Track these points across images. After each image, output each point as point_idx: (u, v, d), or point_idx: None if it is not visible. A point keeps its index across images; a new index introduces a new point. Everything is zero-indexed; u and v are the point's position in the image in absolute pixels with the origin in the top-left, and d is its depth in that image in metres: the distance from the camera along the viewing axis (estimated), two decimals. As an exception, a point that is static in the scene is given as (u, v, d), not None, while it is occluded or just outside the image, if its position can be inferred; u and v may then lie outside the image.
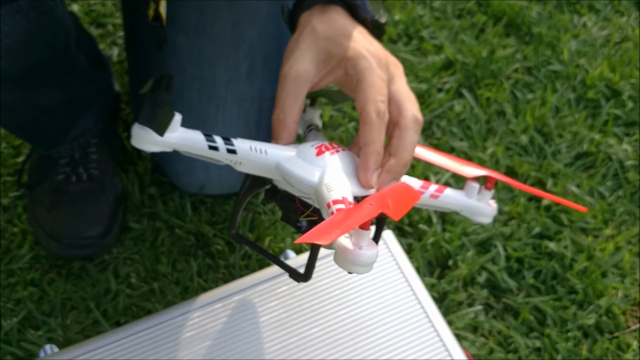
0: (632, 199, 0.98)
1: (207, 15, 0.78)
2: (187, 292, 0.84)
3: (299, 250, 0.84)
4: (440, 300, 0.86)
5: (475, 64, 1.07)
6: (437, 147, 1.00)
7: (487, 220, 0.61)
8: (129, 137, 0.97)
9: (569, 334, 0.85)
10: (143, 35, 0.85)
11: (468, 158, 0.99)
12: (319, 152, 0.50)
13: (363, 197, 0.50)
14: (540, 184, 0.98)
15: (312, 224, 0.53)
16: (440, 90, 1.06)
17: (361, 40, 0.54)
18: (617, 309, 0.87)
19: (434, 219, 0.93)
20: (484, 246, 0.92)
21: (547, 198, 0.61)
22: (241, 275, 0.82)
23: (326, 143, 0.52)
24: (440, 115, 1.03)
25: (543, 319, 0.86)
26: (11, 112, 0.78)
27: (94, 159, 0.87)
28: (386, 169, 0.51)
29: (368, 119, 0.51)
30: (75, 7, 1.09)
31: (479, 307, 0.86)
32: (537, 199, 0.96)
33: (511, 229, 0.93)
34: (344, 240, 0.43)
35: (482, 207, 0.59)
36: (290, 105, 0.52)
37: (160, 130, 0.46)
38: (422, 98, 1.05)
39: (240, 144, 0.50)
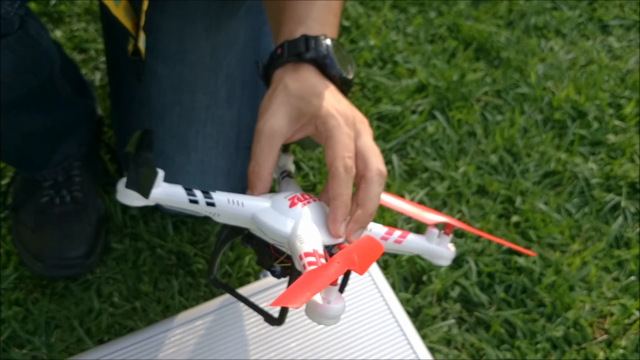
0: (598, 215, 1.02)
1: (186, 44, 0.82)
2: (169, 310, 0.87)
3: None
4: (415, 314, 0.89)
5: (447, 87, 1.12)
6: (411, 166, 1.04)
7: (445, 262, 0.65)
8: (111, 158, 1.00)
9: (538, 345, 0.88)
10: (124, 62, 0.88)
11: (441, 177, 1.03)
12: (292, 204, 0.54)
13: (333, 245, 0.55)
14: (509, 201, 1.02)
15: (285, 270, 0.57)
16: (413, 112, 1.10)
17: (330, 99, 0.58)
18: (585, 322, 0.90)
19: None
20: (456, 262, 0.95)
21: (499, 242, 0.66)
22: (221, 293, 0.84)
23: (298, 194, 0.56)
24: (414, 136, 1.07)
25: (513, 332, 0.89)
26: None
27: (77, 182, 0.90)
28: (354, 219, 0.56)
29: (337, 174, 0.55)
30: (58, 33, 1.12)
31: (452, 321, 0.89)
32: (507, 216, 1.00)
33: (482, 244, 0.97)
34: (314, 295, 0.46)
35: (441, 251, 0.64)
36: (265, 159, 0.57)
37: (146, 192, 0.49)
38: (397, 120, 1.09)
39: (218, 197, 0.53)
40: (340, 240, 0.55)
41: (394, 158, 1.05)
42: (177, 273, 0.90)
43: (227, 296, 0.75)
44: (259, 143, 0.57)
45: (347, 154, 0.55)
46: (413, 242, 0.63)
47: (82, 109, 0.91)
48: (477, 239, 0.98)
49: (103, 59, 1.11)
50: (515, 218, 0.99)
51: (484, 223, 0.99)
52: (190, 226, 0.95)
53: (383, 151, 1.06)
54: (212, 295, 0.88)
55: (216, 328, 0.73)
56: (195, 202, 0.51)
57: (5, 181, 0.97)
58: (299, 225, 0.53)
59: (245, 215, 0.53)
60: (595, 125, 1.11)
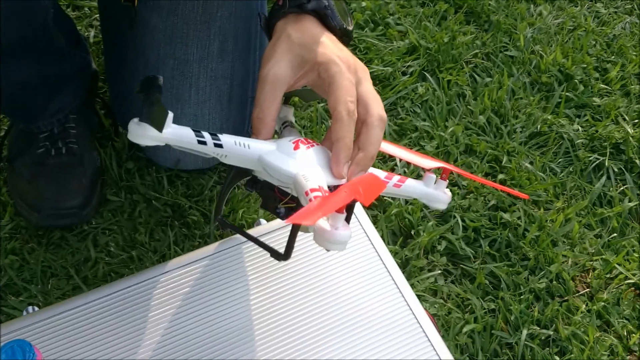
0: (582, 175, 1.05)
1: (179, -6, 0.82)
2: (165, 259, 0.89)
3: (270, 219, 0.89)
4: (403, 266, 0.92)
5: (438, 49, 1.13)
6: (402, 126, 1.06)
7: (442, 206, 0.68)
8: (106, 114, 1.01)
9: (522, 297, 0.91)
10: (118, 15, 0.89)
11: (430, 137, 1.06)
12: (296, 147, 0.56)
13: (335, 187, 0.56)
14: (496, 160, 1.04)
15: (289, 211, 0.59)
16: (404, 73, 1.12)
17: (332, 47, 0.60)
18: (567, 275, 0.94)
19: (398, 193, 0.99)
20: (443, 217, 0.98)
21: (493, 186, 0.69)
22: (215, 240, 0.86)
23: (302, 138, 0.58)
24: (404, 97, 1.09)
25: (497, 284, 0.92)
26: None
27: (73, 134, 0.91)
28: (355, 161, 0.58)
29: (339, 117, 0.57)
30: (52, -9, 1.12)
31: (438, 272, 0.92)
32: (493, 175, 1.03)
33: (469, 202, 0.99)
34: (323, 223, 0.49)
35: (438, 194, 0.66)
36: (269, 105, 0.58)
37: (159, 126, 0.51)
38: (388, 81, 1.10)
39: (225, 138, 0.55)
40: (343, 181, 0.57)
41: (385, 118, 1.06)
42: (172, 224, 0.92)
43: (220, 243, 0.77)
44: (262, 90, 0.59)
45: (349, 98, 0.57)
46: (411, 187, 0.65)
47: (77, 61, 0.92)
48: (464, 195, 1.00)
49: (97, 16, 1.11)
50: (501, 176, 1.02)
51: (471, 181, 1.01)
52: (185, 180, 0.96)
53: (374, 111, 1.07)
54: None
55: (211, 272, 0.75)
56: (204, 142, 0.53)
57: (1, 134, 0.97)
58: (304, 165, 0.55)
59: (251, 156, 0.55)
60: (581, 88, 1.14)
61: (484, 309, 0.90)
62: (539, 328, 0.88)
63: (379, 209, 0.97)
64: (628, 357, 0.88)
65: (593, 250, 0.97)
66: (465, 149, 1.05)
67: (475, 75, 1.13)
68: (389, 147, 0.69)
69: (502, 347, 0.87)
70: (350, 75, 0.59)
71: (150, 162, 0.96)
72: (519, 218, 0.98)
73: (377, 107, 0.59)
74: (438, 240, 0.95)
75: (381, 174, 0.64)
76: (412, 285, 0.89)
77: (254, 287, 0.74)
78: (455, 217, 0.97)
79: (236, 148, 0.55)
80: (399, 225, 0.96)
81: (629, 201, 1.02)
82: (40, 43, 0.82)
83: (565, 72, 1.16)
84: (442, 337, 0.73)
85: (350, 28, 0.64)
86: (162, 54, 0.86)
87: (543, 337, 0.88)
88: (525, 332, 0.88)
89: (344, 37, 0.64)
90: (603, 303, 0.92)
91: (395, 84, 1.10)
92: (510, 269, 0.93)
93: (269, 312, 0.72)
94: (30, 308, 0.74)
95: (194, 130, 0.54)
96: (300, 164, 0.55)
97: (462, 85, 1.11)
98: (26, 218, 0.89)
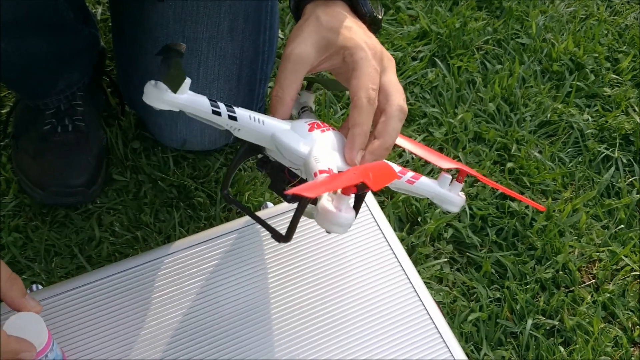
0: (591, 165, 1.04)
1: (191, -29, 0.81)
2: (169, 240, 0.88)
3: (277, 202, 0.88)
4: (409, 253, 0.91)
5: (449, 35, 1.12)
6: (411, 112, 1.05)
7: (455, 209, 0.65)
8: (113, 92, 1.00)
9: (528, 286, 0.91)
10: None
11: (439, 123, 1.05)
12: (311, 129, 0.56)
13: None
14: (505, 149, 1.03)
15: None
16: (414, 58, 1.11)
17: (360, 33, 0.59)
18: (573, 266, 0.93)
19: (405, 179, 0.98)
20: (451, 205, 0.97)
21: (510, 194, 0.67)
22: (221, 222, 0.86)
23: (318, 122, 0.58)
24: (414, 82, 1.08)
25: (504, 272, 0.92)
26: (1, 60, 0.80)
27: (80, 111, 0.90)
28: (370, 150, 0.57)
29: (359, 104, 0.56)
30: (58, -35, 1.10)
31: (444, 260, 0.92)
32: (502, 163, 1.02)
33: (476, 189, 0.99)
34: (326, 203, 0.48)
35: (452, 196, 0.64)
36: (289, 84, 0.57)
37: (175, 87, 0.50)
38: (398, 65, 1.09)
39: (240, 111, 0.54)
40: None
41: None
42: (178, 206, 0.91)
43: (226, 225, 0.76)
44: (284, 68, 0.58)
45: (372, 85, 0.56)
46: (425, 185, 0.63)
47: (85, 37, 0.91)
48: (472, 183, 1.00)
49: (104, -8, 1.09)
50: (510, 165, 1.01)
51: (479, 169, 1.00)
52: (191, 162, 0.95)
53: (383, 95, 1.06)
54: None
55: (217, 255, 0.74)
56: (218, 113, 0.52)
57: (5, 110, 0.96)
58: (316, 147, 0.54)
59: (265, 133, 0.54)
60: (592, 77, 1.13)
61: (490, 297, 0.89)
62: (544, 318, 0.88)
63: (386, 195, 0.96)
64: (632, 349, 0.88)
65: (600, 241, 0.96)
66: (474, 137, 1.04)
67: (486, 62, 1.12)
68: (406, 143, 0.67)
69: (506, 336, 0.87)
70: (376, 63, 0.58)
71: (157, 142, 0.95)
72: (526, 207, 0.97)
73: (398, 97, 0.58)
74: (444, 227, 0.95)
75: (395, 167, 0.62)
76: (418, 272, 0.89)
77: (259, 271, 0.74)
78: (462, 204, 0.96)
79: (250, 122, 0.54)
80: (405, 212, 0.95)
81: (637, 193, 1.01)
82: (50, 17, 0.81)
83: (577, 61, 1.14)
84: (447, 324, 0.73)
85: (380, 17, 0.63)
86: (171, 32, 0.85)
87: (548, 327, 0.88)
88: (530, 321, 0.87)
89: (373, 26, 0.63)
90: (608, 294, 0.91)
91: (405, 69, 1.08)
92: (517, 258, 0.93)
93: (275, 295, 0.72)
94: (34, 286, 0.73)
95: (209, 100, 0.53)
96: (314, 145, 0.54)
97: (472, 71, 1.10)
98: (30, 195, 0.88)
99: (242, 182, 0.94)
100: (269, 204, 0.83)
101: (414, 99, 1.06)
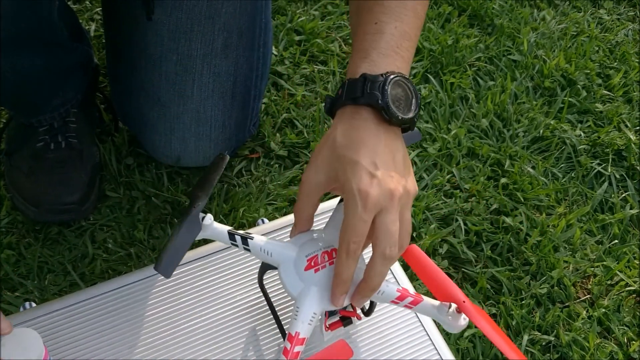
0: (584, 180, 1.05)
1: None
2: (163, 257, 0.87)
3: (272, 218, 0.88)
4: (405, 268, 0.91)
5: (441, 52, 1.13)
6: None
7: (454, 331, 0.65)
8: (106, 108, 1.00)
9: (523, 302, 0.91)
10: (121, 9, 0.88)
11: (433, 139, 1.05)
12: (308, 267, 0.62)
13: (333, 312, 0.65)
14: (498, 164, 1.04)
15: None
16: (407, 74, 1.11)
17: (367, 166, 0.57)
18: (568, 281, 0.93)
19: (400, 194, 0.98)
20: (445, 220, 0.97)
21: (493, 343, 0.63)
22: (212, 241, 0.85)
23: (320, 254, 0.62)
24: (407, 98, 1.08)
25: (499, 288, 0.92)
26: None
27: (73, 128, 0.90)
28: (357, 290, 0.60)
29: (339, 255, 0.58)
30: (53, -17, 1.11)
31: (440, 276, 0.91)
32: (496, 178, 1.03)
33: (471, 205, 0.99)
34: None
35: (451, 324, 0.63)
36: (304, 206, 0.63)
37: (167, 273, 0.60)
38: (391, 81, 1.10)
39: (254, 244, 0.64)
40: (343, 306, 0.62)
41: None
42: (172, 222, 0.91)
43: (218, 244, 0.76)
44: (302, 191, 0.62)
45: (355, 238, 0.57)
46: (424, 310, 0.64)
47: (79, 54, 0.91)
48: (466, 199, 1.00)
49: (98, 10, 1.10)
50: (503, 180, 1.02)
51: (473, 185, 1.01)
52: (185, 177, 0.95)
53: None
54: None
55: (211, 272, 0.74)
56: (235, 245, 0.64)
57: (-2, 127, 0.96)
58: (304, 293, 0.61)
59: (272, 263, 0.64)
60: (584, 93, 1.14)
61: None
62: (539, 333, 0.88)
63: (381, 211, 0.96)
64: (628, 365, 0.88)
65: (594, 257, 0.96)
66: (468, 152, 1.04)
67: (479, 79, 1.13)
68: (415, 259, 0.65)
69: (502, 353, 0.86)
70: (366, 214, 0.56)
71: (150, 158, 0.95)
72: (520, 223, 0.97)
73: (385, 244, 0.57)
74: (440, 243, 0.94)
75: (393, 293, 0.63)
76: (414, 288, 0.89)
77: (253, 288, 0.73)
78: (457, 220, 0.96)
79: (261, 254, 0.64)
80: (400, 228, 0.95)
81: (631, 208, 1.02)
82: (45, 34, 0.81)
83: (568, 77, 1.15)
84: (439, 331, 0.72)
85: (410, 116, 0.61)
86: (165, 50, 0.85)
87: (544, 343, 0.88)
88: (526, 337, 0.87)
89: (404, 125, 0.62)
90: (604, 309, 0.91)
91: (399, 85, 1.09)
92: (512, 273, 0.93)
93: (264, 313, 0.72)
94: (27, 304, 0.73)
95: (229, 233, 0.64)
96: (303, 289, 0.61)
97: (465, 88, 1.11)
98: (23, 212, 0.88)
99: (236, 199, 0.94)
100: (265, 220, 0.83)
101: (408, 115, 1.07)
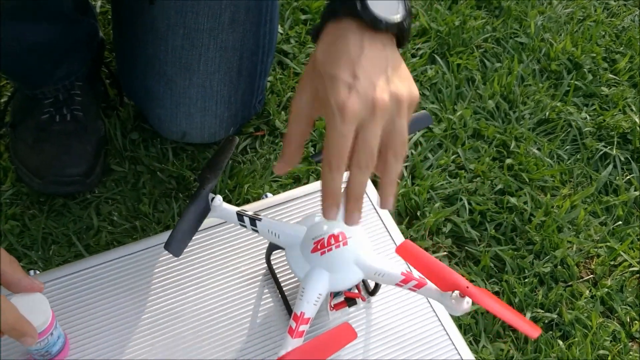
0: (589, 162, 1.04)
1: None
2: (168, 230, 0.87)
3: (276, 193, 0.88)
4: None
5: (448, 33, 1.13)
6: (409, 108, 1.05)
7: (457, 314, 0.64)
8: (112, 83, 0.99)
9: (526, 280, 0.91)
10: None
11: (438, 120, 1.05)
12: (314, 249, 0.63)
13: (339, 292, 0.66)
14: (504, 145, 1.04)
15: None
16: (414, 55, 1.11)
17: (346, 79, 0.54)
18: (572, 261, 0.93)
19: (405, 173, 0.98)
20: (449, 200, 0.97)
21: (503, 320, 0.62)
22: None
23: (326, 237, 0.62)
24: (413, 79, 1.08)
25: (502, 267, 0.92)
26: (1, 47, 0.80)
27: (78, 101, 0.90)
28: (345, 203, 0.57)
29: (323, 171, 0.55)
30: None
31: (443, 254, 0.91)
32: (501, 159, 1.02)
33: (475, 185, 0.99)
34: None
35: (454, 307, 0.62)
36: (293, 132, 0.59)
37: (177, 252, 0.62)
38: (397, 62, 1.09)
39: (262, 226, 0.65)
40: (345, 289, 0.64)
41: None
42: (177, 197, 0.91)
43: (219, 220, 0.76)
44: (289, 119, 0.60)
45: (336, 155, 0.54)
46: (428, 293, 0.63)
47: (84, 27, 0.90)
48: (471, 179, 1.00)
49: (104, -14, 1.09)
50: (509, 161, 1.01)
51: (478, 165, 1.00)
52: (190, 154, 0.95)
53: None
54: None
55: (214, 243, 0.74)
56: (244, 226, 0.65)
57: (3, 100, 0.96)
58: (309, 275, 0.62)
59: (279, 245, 0.66)
60: (590, 77, 1.13)
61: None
62: (542, 311, 0.88)
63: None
64: (630, 344, 0.88)
65: (598, 238, 0.96)
66: (473, 133, 1.04)
67: (485, 60, 1.12)
68: (412, 255, 0.64)
69: (505, 329, 0.87)
70: (346, 127, 0.53)
71: (156, 134, 0.95)
72: (525, 203, 0.97)
73: (359, 154, 0.55)
74: (443, 222, 0.94)
75: (397, 277, 0.63)
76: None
77: (260, 265, 0.73)
78: (461, 199, 0.96)
79: (268, 235, 0.65)
80: (405, 206, 0.95)
81: (635, 190, 1.01)
82: (49, 6, 0.81)
83: (575, 61, 1.15)
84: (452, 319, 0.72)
85: (397, 18, 0.56)
86: (172, 23, 0.85)
87: (546, 321, 0.88)
88: (528, 314, 0.87)
89: (392, 31, 0.57)
90: (607, 289, 0.91)
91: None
92: (515, 252, 0.93)
93: (271, 290, 0.72)
94: (31, 272, 0.73)
95: (237, 214, 0.65)
96: (309, 271, 0.62)
97: (471, 69, 1.11)
98: (28, 184, 0.88)
99: (241, 175, 0.94)
100: (269, 195, 0.83)
101: (413, 95, 1.07)
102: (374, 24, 0.55)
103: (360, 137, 0.54)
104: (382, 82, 0.54)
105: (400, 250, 0.64)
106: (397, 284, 0.63)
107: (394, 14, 0.57)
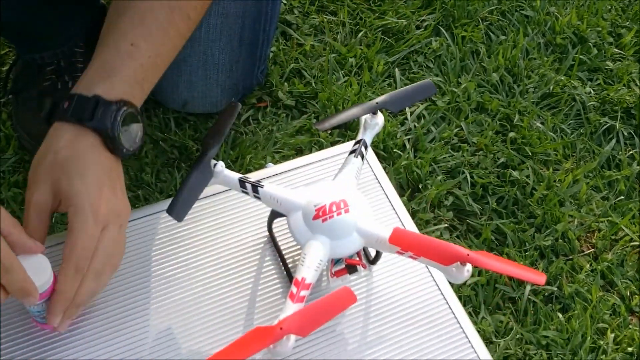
0: (592, 137, 1.04)
1: None
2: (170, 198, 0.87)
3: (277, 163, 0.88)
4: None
5: (453, 4, 1.12)
6: (413, 80, 1.05)
7: (457, 282, 0.63)
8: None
9: (527, 253, 0.91)
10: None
11: (442, 92, 1.04)
12: (316, 216, 0.62)
13: (339, 259, 0.65)
14: (507, 119, 1.03)
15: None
16: (418, 27, 1.10)
17: (93, 186, 0.56)
18: (573, 235, 0.93)
19: (407, 146, 0.98)
20: (451, 173, 0.97)
21: (509, 275, 0.61)
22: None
23: (328, 204, 0.62)
24: (417, 51, 1.07)
25: (503, 240, 0.92)
26: (1, 8, 0.79)
27: (80, 68, 0.89)
28: (67, 314, 0.57)
29: (66, 272, 0.55)
30: None
31: (444, 227, 0.92)
32: (504, 133, 1.02)
33: (478, 158, 0.98)
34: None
35: (454, 275, 0.61)
36: (35, 229, 0.57)
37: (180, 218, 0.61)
38: (401, 34, 1.09)
39: (264, 193, 0.64)
40: (346, 257, 0.64)
41: (397, 72, 1.05)
42: (179, 166, 0.91)
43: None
44: (27, 214, 0.57)
45: (83, 254, 0.55)
46: (427, 261, 0.62)
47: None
48: (474, 152, 0.99)
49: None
50: (512, 134, 1.01)
51: (481, 139, 1.00)
52: (193, 123, 0.95)
53: (386, 64, 1.06)
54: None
55: (218, 210, 0.74)
56: (246, 192, 0.64)
57: (5, 68, 0.95)
58: (310, 242, 0.62)
59: (281, 211, 0.65)
60: (595, 51, 1.12)
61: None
62: (542, 284, 0.88)
63: (388, 162, 0.96)
64: (630, 317, 0.88)
65: (599, 212, 0.96)
66: (477, 106, 1.04)
67: (490, 33, 1.11)
68: (406, 241, 0.62)
69: (505, 301, 0.87)
70: (95, 228, 0.56)
71: (158, 104, 0.94)
72: (527, 176, 0.97)
73: (100, 258, 0.57)
74: (445, 195, 0.94)
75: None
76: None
77: (261, 232, 0.73)
78: (463, 173, 0.96)
79: (270, 201, 0.64)
80: (407, 178, 0.95)
81: (638, 165, 1.01)
82: None
83: (580, 34, 1.14)
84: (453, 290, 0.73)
85: (134, 148, 0.61)
86: None
87: (547, 294, 0.88)
88: (528, 287, 0.87)
89: (125, 155, 0.61)
90: (607, 263, 0.92)
91: (409, 37, 1.08)
92: (517, 226, 0.93)
93: (272, 257, 0.72)
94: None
95: (239, 181, 0.64)
96: (309, 239, 0.62)
97: (476, 42, 1.10)
98: (31, 152, 0.88)
99: (243, 146, 0.94)
100: (270, 164, 0.82)
101: (417, 68, 1.06)
102: (116, 149, 0.60)
103: (105, 241, 0.57)
104: (119, 198, 0.61)
105: (394, 239, 0.64)
106: (397, 252, 0.63)
107: (134, 142, 0.62)
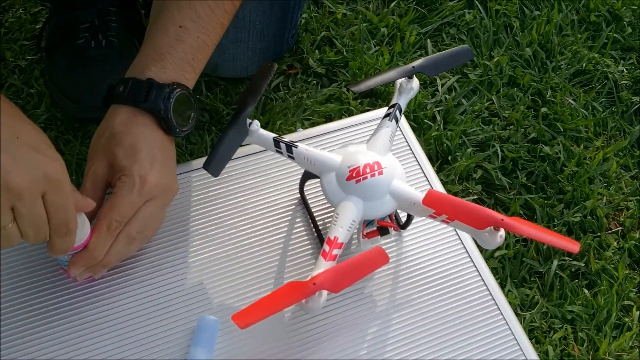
0: (623, 116, 1.03)
1: None
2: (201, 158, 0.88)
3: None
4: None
5: (487, -23, 1.10)
6: (444, 52, 1.03)
7: (490, 247, 0.62)
8: (146, 14, 0.98)
9: (555, 229, 0.90)
10: None
11: (474, 65, 1.03)
12: (349, 177, 0.62)
13: (372, 221, 0.65)
14: (539, 94, 1.02)
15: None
16: (451, -1, 1.09)
17: (145, 159, 0.58)
18: (601, 212, 0.93)
19: (438, 117, 0.97)
20: (481, 147, 0.96)
21: (543, 242, 0.61)
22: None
23: (362, 166, 0.62)
24: (450, 23, 1.06)
25: (532, 215, 0.92)
26: None
27: (113, 27, 0.89)
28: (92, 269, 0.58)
29: (99, 230, 0.56)
30: None
31: (472, 199, 0.91)
32: (536, 108, 1.01)
33: (509, 132, 0.98)
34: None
35: (487, 240, 0.61)
36: (89, 195, 0.58)
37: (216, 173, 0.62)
38: (434, 5, 1.07)
39: (298, 152, 0.64)
40: (378, 218, 0.64)
41: (429, 43, 1.04)
42: (210, 129, 0.91)
43: (256, 147, 0.75)
44: (84, 183, 0.59)
45: (119, 217, 0.56)
46: (461, 226, 0.61)
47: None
48: (504, 127, 0.99)
49: None
50: (543, 110, 1.00)
51: (513, 113, 0.99)
52: (223, 88, 0.95)
53: (418, 34, 1.05)
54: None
55: (252, 170, 0.74)
56: (280, 152, 0.64)
57: (38, 26, 0.96)
58: (343, 203, 0.62)
59: (315, 171, 0.65)
60: (629, 30, 1.11)
61: (516, 237, 0.89)
62: (569, 260, 0.88)
63: (417, 132, 0.96)
64: (656, 296, 0.88)
65: (628, 191, 0.96)
66: (509, 81, 1.03)
67: (524, 8, 1.10)
68: (440, 203, 0.62)
69: (531, 275, 0.87)
70: (139, 199, 0.57)
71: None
72: (558, 152, 0.96)
73: (136, 226, 0.58)
74: (474, 168, 0.94)
75: (431, 209, 0.61)
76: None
77: (293, 194, 0.73)
78: (494, 146, 0.96)
79: (304, 162, 0.64)
80: (436, 150, 0.95)
81: (669, 146, 1.00)
82: None
83: (614, 13, 1.12)
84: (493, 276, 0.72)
85: (187, 129, 0.63)
86: None
87: (573, 269, 0.88)
88: (555, 262, 0.87)
89: (178, 136, 0.63)
90: (635, 242, 0.91)
91: (442, 8, 1.07)
92: (546, 201, 0.92)
93: (303, 218, 0.72)
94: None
95: (274, 140, 0.64)
96: (342, 198, 0.62)
97: (510, 15, 1.08)
98: (63, 109, 0.88)
99: (273, 112, 0.94)
100: (300, 130, 0.82)
101: (450, 40, 1.05)
102: (169, 129, 0.62)
103: (145, 211, 0.58)
104: (168, 176, 0.62)
105: (427, 200, 0.63)
106: (430, 216, 0.63)
107: (187, 123, 0.64)
